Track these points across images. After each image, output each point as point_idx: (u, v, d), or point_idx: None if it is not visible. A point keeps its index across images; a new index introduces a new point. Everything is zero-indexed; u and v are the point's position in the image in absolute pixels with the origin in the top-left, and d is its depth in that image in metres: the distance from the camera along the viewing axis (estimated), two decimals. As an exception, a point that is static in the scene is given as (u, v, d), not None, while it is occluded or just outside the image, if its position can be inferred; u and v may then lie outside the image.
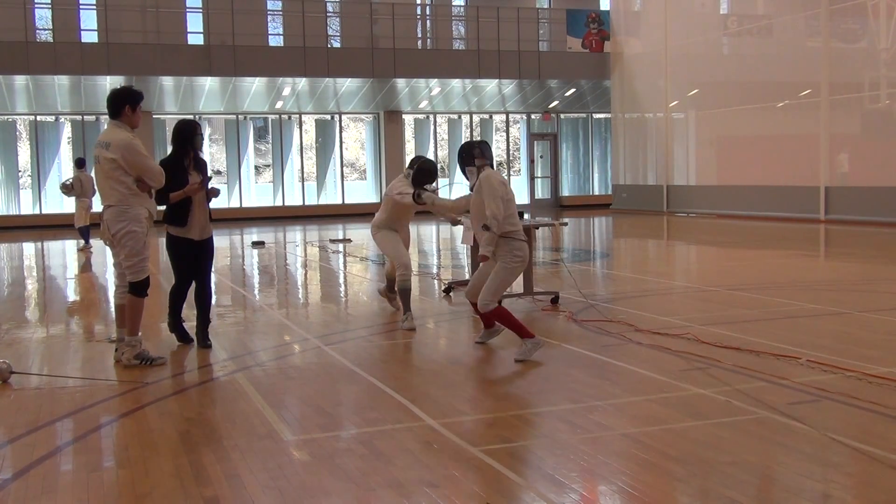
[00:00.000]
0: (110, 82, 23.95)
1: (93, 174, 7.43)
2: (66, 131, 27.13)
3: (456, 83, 27.88)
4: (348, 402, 5.73)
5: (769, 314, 8.41)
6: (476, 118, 30.65)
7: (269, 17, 27.84)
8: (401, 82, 27.06)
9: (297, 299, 11.11)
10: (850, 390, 5.48)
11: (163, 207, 7.11)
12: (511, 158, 31.51)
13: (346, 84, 26.82)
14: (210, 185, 7.33)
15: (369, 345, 7.69)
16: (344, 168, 31.06)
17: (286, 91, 27.18)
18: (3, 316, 9.63)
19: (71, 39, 24.39)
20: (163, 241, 7.62)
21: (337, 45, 28.27)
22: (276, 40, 27.62)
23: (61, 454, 4.76)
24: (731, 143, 24.95)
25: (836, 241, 17.18)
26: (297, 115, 28.83)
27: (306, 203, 28.57)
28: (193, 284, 7.46)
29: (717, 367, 6.20)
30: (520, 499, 3.95)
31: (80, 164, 17.45)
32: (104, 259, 15.32)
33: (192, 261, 7.35)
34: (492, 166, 6.98)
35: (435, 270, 13.32)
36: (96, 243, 16.80)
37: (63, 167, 26.41)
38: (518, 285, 9.05)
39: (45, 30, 26.32)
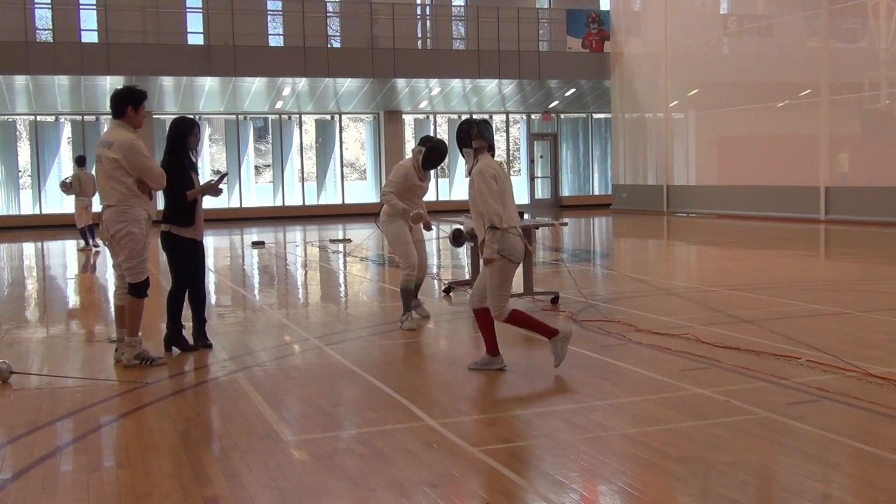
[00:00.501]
0: (110, 82, 23.97)
1: (93, 173, 7.43)
2: (66, 131, 27.14)
3: (456, 83, 27.88)
4: (348, 402, 5.73)
5: (769, 314, 8.41)
6: (476, 118, 30.60)
7: (269, 17, 27.84)
8: (401, 82, 27.06)
9: (297, 299, 11.11)
10: (850, 390, 5.48)
11: (160, 208, 7.13)
12: (511, 158, 31.50)
13: (346, 84, 26.82)
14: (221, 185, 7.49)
15: (369, 345, 7.69)
16: (344, 168, 31.07)
17: (286, 91, 27.18)
18: (3, 316, 9.63)
19: (71, 39, 24.39)
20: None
21: (337, 45, 28.28)
22: (276, 40, 27.62)
23: (61, 454, 4.76)
24: (731, 143, 24.95)
25: (836, 241, 17.18)
26: (297, 115, 28.83)
27: (306, 203, 28.58)
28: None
29: (717, 367, 6.20)
30: (520, 499, 3.95)
31: (80, 161, 17.44)
32: (104, 259, 15.32)
33: (194, 261, 7.37)
34: (491, 148, 6.44)
35: (435, 270, 13.32)
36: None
37: (63, 167, 26.42)
38: (518, 285, 9.04)
39: (45, 30, 26.32)
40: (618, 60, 27.84)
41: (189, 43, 25.80)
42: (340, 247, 17.09)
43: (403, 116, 29.54)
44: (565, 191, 31.63)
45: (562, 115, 31.42)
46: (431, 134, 30.16)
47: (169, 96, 26.55)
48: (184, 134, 7.21)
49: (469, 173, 6.38)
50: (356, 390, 5.98)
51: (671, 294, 10.40)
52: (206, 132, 29.05)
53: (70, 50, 23.51)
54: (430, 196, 30.58)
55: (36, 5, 25.44)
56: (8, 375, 6.30)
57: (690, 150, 26.13)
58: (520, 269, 6.85)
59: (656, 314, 8.38)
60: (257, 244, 18.06)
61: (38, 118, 26.48)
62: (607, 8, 28.79)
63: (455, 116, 30.73)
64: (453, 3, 30.57)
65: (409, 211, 8.25)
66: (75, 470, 4.49)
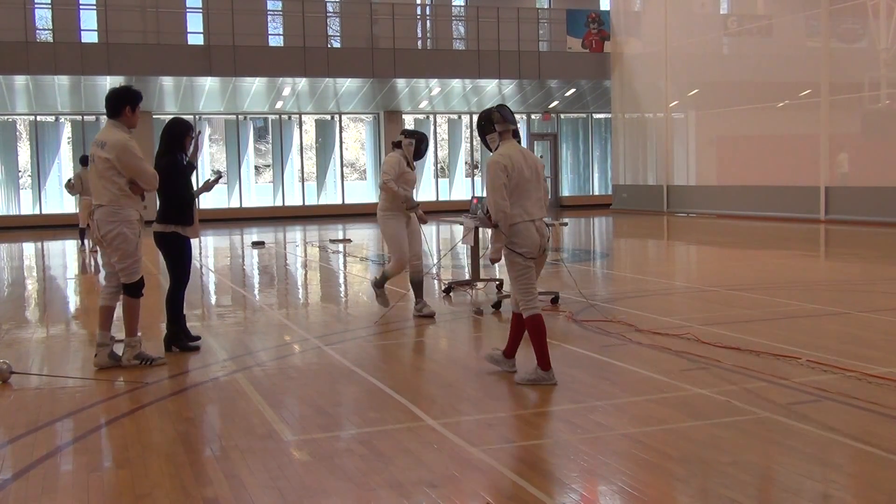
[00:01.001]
0: (110, 82, 23.95)
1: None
2: (66, 131, 27.14)
3: (456, 83, 27.88)
4: (348, 402, 5.73)
5: (769, 314, 8.41)
6: (476, 118, 30.63)
7: (269, 17, 27.84)
8: (401, 82, 27.06)
9: (297, 299, 11.11)
10: (850, 390, 5.48)
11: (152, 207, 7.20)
12: (511, 158, 31.48)
13: (346, 84, 26.82)
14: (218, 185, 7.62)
15: (369, 345, 7.69)
16: (344, 168, 31.07)
17: (286, 91, 27.18)
18: (3, 316, 9.63)
19: (71, 39, 24.38)
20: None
21: (337, 45, 28.28)
22: (276, 40, 27.62)
23: (61, 454, 4.76)
24: (731, 143, 24.95)
25: (836, 241, 17.18)
26: (297, 115, 28.83)
27: (306, 203, 28.58)
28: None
29: (717, 367, 6.20)
30: (520, 499, 3.95)
31: (84, 161, 17.44)
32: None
33: (190, 260, 7.47)
34: (516, 133, 6.13)
35: (435, 270, 13.32)
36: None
37: (63, 167, 26.43)
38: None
39: (45, 30, 26.32)
40: (618, 60, 27.84)
41: (189, 43, 25.80)
42: (340, 247, 17.09)
43: (403, 116, 29.54)
44: (565, 191, 31.64)
45: (562, 115, 31.42)
46: (431, 134, 30.26)
47: (169, 96, 26.55)
48: (182, 135, 7.31)
49: None
50: (356, 390, 5.98)
51: (671, 294, 10.40)
52: (207, 132, 29.06)
53: (70, 50, 23.51)
54: (430, 196, 30.53)
55: (36, 5, 25.44)
56: (8, 375, 6.30)
57: (690, 150, 26.14)
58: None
59: (656, 314, 8.38)
60: (257, 244, 18.07)
61: (38, 118, 26.48)
62: (607, 8, 28.79)
63: (455, 116, 30.74)
64: (453, 3, 30.57)
65: (410, 199, 8.53)
66: (75, 470, 4.49)
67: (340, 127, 29.82)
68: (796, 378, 5.82)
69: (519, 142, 6.18)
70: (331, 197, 29.16)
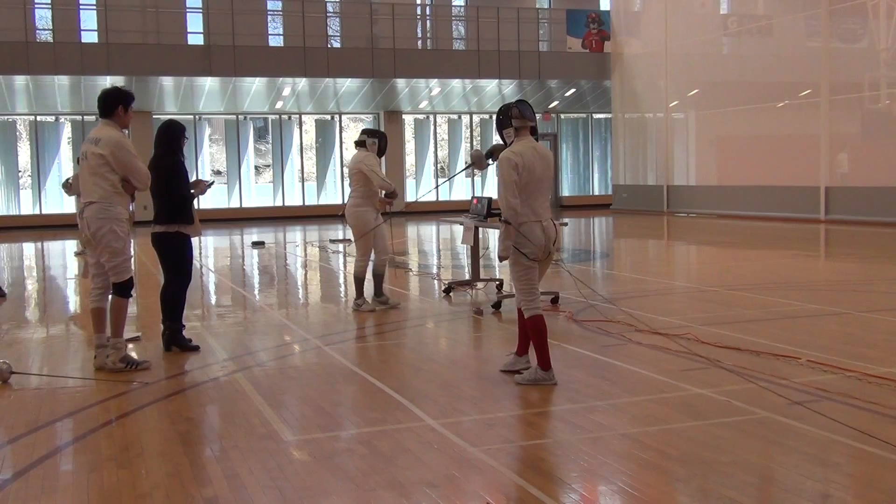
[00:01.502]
0: (110, 82, 23.92)
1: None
2: (66, 131, 27.14)
3: (456, 83, 27.88)
4: (348, 402, 5.73)
5: (769, 314, 8.42)
6: (476, 118, 30.65)
7: (269, 17, 27.84)
8: (401, 82, 27.06)
9: (297, 299, 11.12)
10: (850, 390, 5.48)
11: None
12: (511, 158, 31.49)
13: (346, 84, 26.82)
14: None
15: (369, 345, 7.70)
16: (344, 168, 31.03)
17: (286, 91, 27.18)
18: (3, 316, 9.63)
19: (71, 39, 24.39)
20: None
21: (337, 45, 28.28)
22: (276, 40, 27.62)
23: (61, 454, 4.76)
24: (731, 143, 24.95)
25: (836, 241, 17.18)
26: (297, 116, 28.84)
27: (306, 203, 28.58)
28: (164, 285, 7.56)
29: (717, 367, 6.20)
30: (520, 499, 3.95)
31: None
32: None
33: (192, 259, 7.53)
34: (535, 130, 6.05)
35: (435, 270, 13.32)
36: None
37: (63, 167, 26.42)
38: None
39: (45, 30, 26.32)
40: (618, 60, 27.84)
41: (189, 43, 25.80)
42: (340, 247, 17.08)
43: (403, 116, 29.54)
44: (565, 191, 31.63)
45: (562, 115, 31.42)
46: (432, 134, 30.29)
47: (169, 96, 26.54)
48: (179, 137, 7.40)
49: None
50: (356, 390, 5.98)
51: (671, 294, 10.40)
52: (206, 132, 29.07)
53: (70, 50, 23.51)
54: (430, 196, 30.36)
55: (36, 5, 25.44)
56: (8, 375, 6.29)
57: (690, 150, 26.14)
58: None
59: (656, 314, 8.38)
60: (257, 244, 18.07)
61: (38, 118, 26.48)
62: (607, 8, 28.79)
63: (455, 116, 30.73)
64: (453, 3, 30.57)
65: (395, 192, 9.33)
66: (75, 470, 4.49)
67: (340, 127, 29.82)
68: (796, 378, 5.82)
69: (537, 139, 6.11)
70: (331, 197, 29.14)
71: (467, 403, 5.59)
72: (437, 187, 28.62)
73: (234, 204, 27.89)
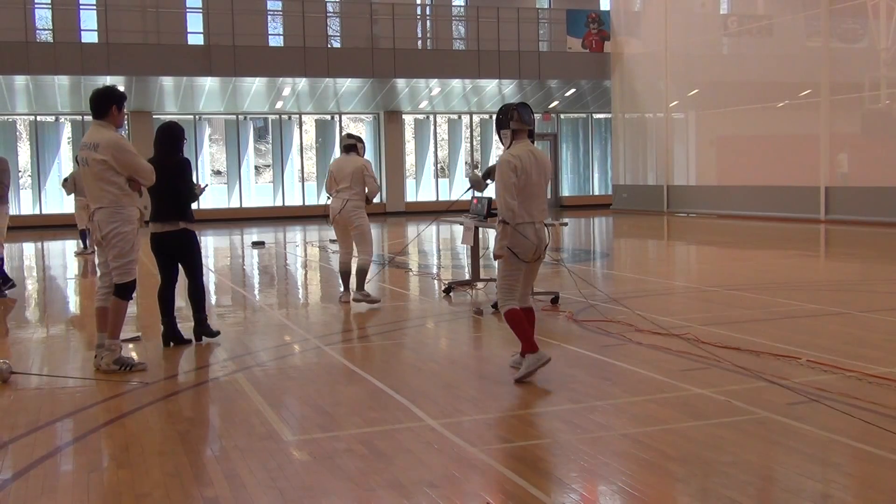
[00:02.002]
0: (111, 82, 23.93)
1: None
2: (66, 131, 27.15)
3: (456, 83, 27.88)
4: (348, 402, 5.73)
5: (769, 314, 8.41)
6: (476, 118, 30.65)
7: (269, 17, 27.84)
8: (401, 82, 27.06)
9: (297, 299, 11.12)
10: (850, 390, 5.48)
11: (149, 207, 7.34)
12: (511, 158, 31.49)
13: (346, 84, 26.83)
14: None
15: (369, 345, 7.70)
16: (344, 168, 31.02)
17: (286, 91, 27.18)
18: (3, 316, 9.63)
19: (71, 39, 24.39)
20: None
21: (337, 45, 28.28)
22: (276, 40, 27.62)
23: (61, 454, 4.76)
24: (731, 143, 24.95)
25: (836, 241, 17.19)
26: (297, 116, 28.84)
27: (306, 203, 28.58)
28: (173, 282, 7.74)
29: (717, 367, 6.20)
30: (520, 499, 3.95)
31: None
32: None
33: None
34: (531, 134, 6.19)
35: (435, 270, 13.32)
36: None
37: (63, 167, 26.42)
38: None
39: (45, 30, 26.33)
40: (618, 60, 27.84)
41: (189, 43, 25.80)
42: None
43: (403, 116, 29.55)
44: (565, 191, 31.64)
45: (562, 115, 31.42)
46: (432, 134, 30.30)
47: (169, 96, 26.55)
48: (181, 138, 7.56)
49: None
50: (356, 390, 5.98)
51: (671, 294, 10.40)
52: (206, 132, 29.08)
53: (70, 50, 23.51)
54: (430, 196, 30.46)
55: (36, 5, 25.45)
56: (8, 375, 6.29)
57: (690, 150, 26.14)
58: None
59: (656, 314, 8.38)
60: (257, 244, 18.06)
61: (38, 118, 26.48)
62: (607, 8, 28.80)
63: (455, 116, 30.74)
64: (453, 3, 30.57)
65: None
66: (75, 470, 4.49)
67: (340, 127, 29.82)
68: (796, 378, 5.82)
69: (533, 142, 6.23)
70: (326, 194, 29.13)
71: (467, 403, 5.60)
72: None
73: (234, 204, 27.89)
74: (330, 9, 27.70)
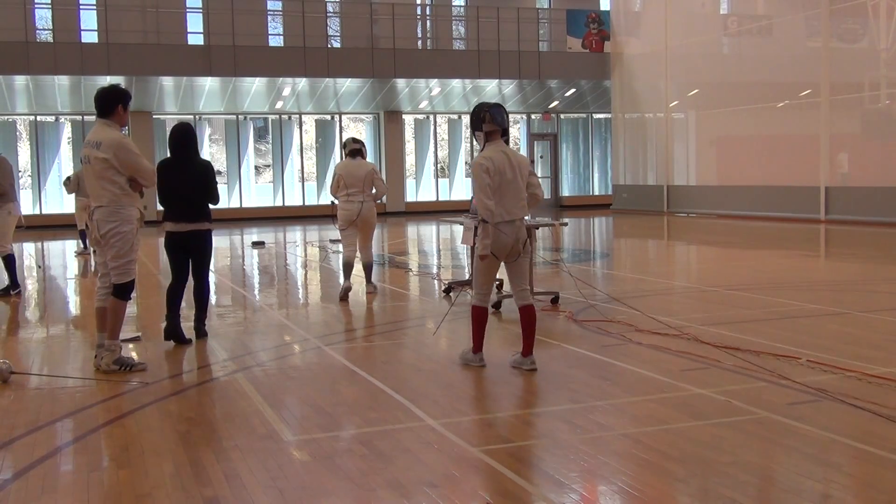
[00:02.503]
0: (110, 82, 23.90)
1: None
2: (66, 131, 27.15)
3: (456, 83, 27.89)
4: (348, 402, 5.73)
5: (769, 314, 8.41)
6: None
7: (269, 17, 27.85)
8: (401, 82, 27.06)
9: (297, 299, 11.12)
10: (850, 390, 5.48)
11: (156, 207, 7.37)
12: (511, 158, 31.50)
13: (346, 84, 26.83)
14: None
15: (369, 345, 7.70)
16: (344, 168, 31.04)
17: (286, 91, 27.18)
18: (4, 316, 9.63)
19: (71, 39, 24.39)
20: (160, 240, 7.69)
21: (337, 45, 28.28)
22: (276, 40, 27.62)
23: (61, 454, 4.76)
24: (731, 143, 24.96)
25: (836, 241, 17.18)
26: (297, 115, 28.84)
27: (306, 203, 28.58)
28: (187, 281, 7.73)
29: (717, 367, 6.20)
30: (520, 499, 3.95)
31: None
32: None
33: None
34: (504, 133, 6.35)
35: (435, 270, 13.32)
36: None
37: (63, 167, 26.44)
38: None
39: (45, 30, 26.33)
40: (618, 60, 27.84)
41: (189, 43, 25.80)
42: (340, 247, 17.06)
43: (403, 116, 29.55)
44: (565, 191, 31.64)
45: (562, 116, 31.43)
46: (432, 134, 30.30)
47: (169, 96, 26.54)
48: (195, 138, 7.69)
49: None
50: (356, 390, 5.98)
51: (671, 294, 10.40)
52: (206, 132, 29.08)
53: (70, 50, 23.51)
54: (430, 196, 30.46)
55: (36, 5, 25.45)
56: (8, 376, 6.29)
57: (690, 150, 26.14)
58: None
59: (656, 314, 8.37)
60: (257, 244, 18.06)
61: (38, 118, 26.48)
62: (607, 8, 28.81)
63: (455, 116, 30.74)
64: (453, 3, 30.57)
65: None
66: (75, 470, 4.49)
67: (340, 127, 29.83)
68: (796, 378, 5.82)
69: (507, 142, 6.41)
70: (331, 197, 29.13)
71: (467, 403, 5.59)
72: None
73: (234, 204, 27.88)
74: (330, 9, 27.70)
